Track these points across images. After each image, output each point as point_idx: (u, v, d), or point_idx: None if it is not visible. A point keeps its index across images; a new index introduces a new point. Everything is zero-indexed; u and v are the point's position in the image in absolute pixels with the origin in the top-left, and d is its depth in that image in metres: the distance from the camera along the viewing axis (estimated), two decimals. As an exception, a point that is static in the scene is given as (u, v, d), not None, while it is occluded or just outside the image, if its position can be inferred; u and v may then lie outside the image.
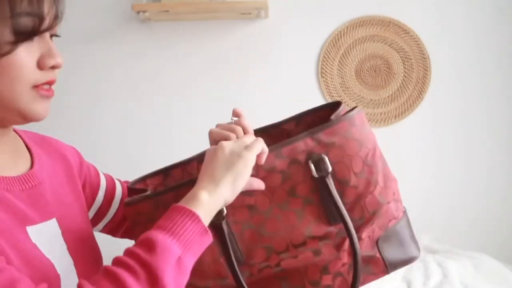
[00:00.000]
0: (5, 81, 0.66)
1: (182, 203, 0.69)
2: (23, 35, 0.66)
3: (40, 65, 0.68)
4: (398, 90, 2.12)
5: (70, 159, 0.88)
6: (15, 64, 0.66)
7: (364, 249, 0.78)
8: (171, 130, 2.16)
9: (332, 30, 2.12)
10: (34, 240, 0.68)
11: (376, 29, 2.11)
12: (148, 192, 0.81)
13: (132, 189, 0.86)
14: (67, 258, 0.73)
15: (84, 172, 0.92)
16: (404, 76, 2.11)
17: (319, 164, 0.76)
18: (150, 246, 0.63)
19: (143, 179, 0.90)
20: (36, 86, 0.68)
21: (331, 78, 2.13)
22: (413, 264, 1.61)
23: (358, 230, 0.77)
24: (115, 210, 0.98)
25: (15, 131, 0.80)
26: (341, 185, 0.77)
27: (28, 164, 0.77)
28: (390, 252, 0.80)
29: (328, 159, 0.77)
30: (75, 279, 0.72)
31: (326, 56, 2.12)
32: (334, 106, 0.87)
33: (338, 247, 0.77)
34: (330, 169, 0.76)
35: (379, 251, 0.79)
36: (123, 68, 2.15)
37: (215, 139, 0.84)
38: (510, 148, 2.10)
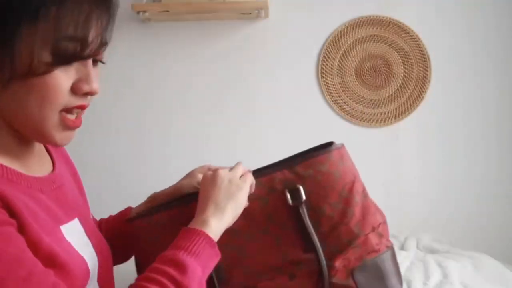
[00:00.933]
0: (36, 101, 0.65)
1: (196, 226, 0.76)
2: (62, 59, 0.65)
3: (74, 90, 0.68)
4: (398, 90, 2.12)
5: (72, 162, 0.92)
6: (49, 85, 0.65)
7: (339, 277, 0.81)
8: (170, 130, 2.16)
9: (332, 30, 2.12)
10: (68, 239, 0.71)
11: (376, 29, 2.11)
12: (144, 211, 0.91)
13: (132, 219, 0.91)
14: (93, 255, 0.76)
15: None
16: (404, 76, 2.11)
17: (294, 193, 0.83)
18: (182, 268, 0.69)
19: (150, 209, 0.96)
20: (64, 111, 0.68)
21: (331, 78, 2.13)
22: (413, 264, 1.61)
23: (332, 258, 0.81)
24: None
25: None
26: (316, 214, 0.82)
27: (50, 166, 0.80)
28: (367, 284, 0.82)
29: (304, 189, 0.82)
30: (96, 275, 0.76)
31: (326, 56, 2.12)
32: (327, 146, 0.90)
33: (312, 273, 0.81)
34: (304, 198, 0.82)
35: (354, 281, 0.81)
36: (122, 68, 2.15)
37: (205, 170, 0.95)
38: (510, 148, 2.10)
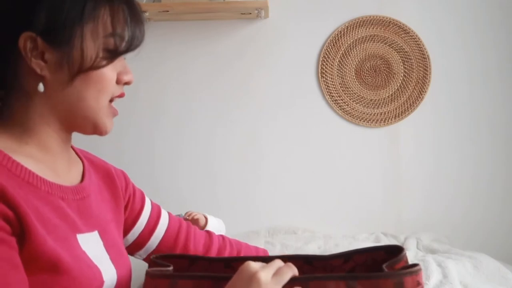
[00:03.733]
0: (94, 93, 0.74)
1: None
2: (114, 54, 0.75)
3: (117, 81, 0.77)
4: (398, 90, 2.12)
5: (117, 180, 0.92)
6: (103, 78, 0.74)
7: None
8: (170, 130, 2.16)
9: (332, 30, 2.12)
10: (83, 248, 0.72)
11: (376, 29, 2.11)
12: (170, 269, 0.77)
13: (154, 261, 0.82)
14: (111, 267, 0.77)
15: (128, 194, 0.94)
16: (404, 76, 2.11)
17: None
18: None
19: (168, 257, 0.85)
20: (110, 100, 0.77)
21: (331, 78, 2.13)
22: (413, 264, 1.61)
23: None
24: (157, 242, 0.97)
25: (72, 147, 0.85)
26: None
27: (79, 176, 0.82)
28: None
29: None
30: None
31: (326, 56, 2.12)
32: (393, 250, 0.76)
33: None
34: None
35: None
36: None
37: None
38: (510, 148, 2.10)
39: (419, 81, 2.10)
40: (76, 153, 0.86)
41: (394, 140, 2.13)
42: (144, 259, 0.99)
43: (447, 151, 2.12)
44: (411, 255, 1.73)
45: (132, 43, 0.77)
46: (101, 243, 0.78)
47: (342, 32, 2.11)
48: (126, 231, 0.94)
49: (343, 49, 2.12)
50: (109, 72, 0.75)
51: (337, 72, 2.13)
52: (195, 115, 2.15)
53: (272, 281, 0.67)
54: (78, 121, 0.75)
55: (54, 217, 0.69)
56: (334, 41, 2.12)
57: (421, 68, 2.10)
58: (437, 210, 2.12)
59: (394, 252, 0.75)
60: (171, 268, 0.78)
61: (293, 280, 0.69)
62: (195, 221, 1.59)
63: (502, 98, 2.10)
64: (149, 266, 0.83)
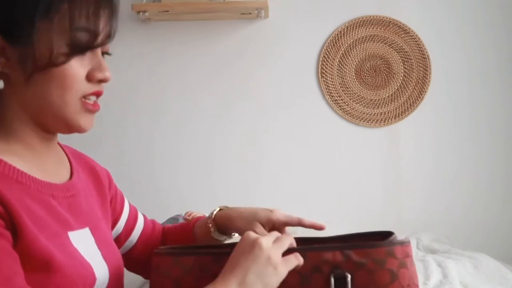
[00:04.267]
0: (57, 90, 0.70)
1: None
2: (78, 49, 0.71)
3: (89, 78, 0.73)
4: (398, 90, 2.12)
5: (102, 178, 0.91)
6: (67, 75, 0.70)
7: None
8: (170, 130, 2.16)
9: (332, 30, 2.12)
10: (75, 245, 0.72)
11: (376, 29, 2.11)
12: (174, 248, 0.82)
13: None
14: (103, 264, 0.77)
15: (111, 194, 0.94)
16: (404, 76, 2.11)
17: (340, 281, 0.72)
18: None
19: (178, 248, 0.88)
20: (83, 98, 0.73)
21: (331, 78, 2.13)
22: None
23: None
24: (133, 243, 0.99)
25: (58, 143, 0.84)
26: None
27: (68, 174, 0.81)
28: None
29: (352, 279, 0.72)
30: (105, 284, 0.76)
31: (326, 56, 2.12)
32: (388, 235, 0.81)
33: None
34: None
35: None
36: (122, 68, 2.15)
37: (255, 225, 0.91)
38: (510, 148, 2.10)
39: (419, 81, 2.10)
40: (63, 150, 0.85)
41: (394, 140, 2.13)
42: None
43: (447, 151, 2.12)
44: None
45: (96, 38, 0.72)
46: (92, 239, 0.78)
47: (342, 32, 2.11)
48: None
49: (343, 49, 2.12)
50: (75, 68, 0.71)
51: (337, 72, 2.13)
52: (195, 115, 2.15)
53: (273, 247, 0.71)
54: (48, 119, 0.73)
55: (46, 215, 0.69)
56: (334, 41, 2.12)
57: (421, 68, 2.10)
58: (437, 210, 2.12)
59: (387, 236, 0.80)
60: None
61: (291, 250, 0.73)
62: (195, 221, 1.59)
63: (502, 98, 2.10)
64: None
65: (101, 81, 0.75)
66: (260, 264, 0.69)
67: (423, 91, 2.10)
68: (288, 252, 0.73)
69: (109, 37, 0.76)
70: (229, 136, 2.15)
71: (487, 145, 2.11)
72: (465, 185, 2.11)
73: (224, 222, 0.97)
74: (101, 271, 0.75)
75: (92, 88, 0.74)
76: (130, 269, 1.01)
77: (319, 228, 0.93)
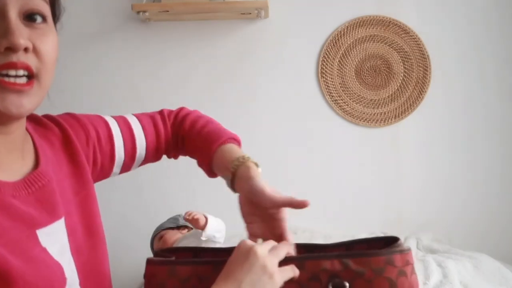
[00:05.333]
0: None
1: None
2: None
3: None
4: (398, 90, 2.12)
5: (75, 140, 0.81)
6: None
7: None
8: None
9: (332, 30, 2.12)
10: (44, 244, 0.66)
11: (376, 29, 2.11)
12: (172, 259, 0.79)
13: (158, 254, 0.83)
14: (70, 259, 0.71)
15: (92, 144, 0.85)
16: (404, 76, 2.11)
17: None
18: None
19: (172, 250, 0.85)
20: None
21: (331, 78, 2.13)
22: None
23: None
24: (142, 157, 0.94)
25: (26, 128, 0.75)
26: None
27: (32, 162, 0.72)
28: None
29: None
30: (76, 281, 0.71)
31: (326, 56, 2.12)
32: (392, 241, 0.80)
33: None
34: None
35: None
36: (122, 68, 2.15)
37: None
38: (510, 148, 2.10)
39: (419, 81, 2.10)
40: (30, 135, 0.75)
41: (394, 140, 2.13)
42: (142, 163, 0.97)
43: (447, 151, 2.12)
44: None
45: None
46: (65, 231, 0.72)
47: (342, 32, 2.11)
48: (107, 172, 0.88)
49: (343, 49, 2.12)
50: None
51: (337, 72, 2.13)
52: (195, 115, 2.15)
53: (269, 255, 0.69)
54: None
55: (4, 219, 0.62)
56: (334, 41, 2.12)
57: (421, 68, 2.10)
58: (437, 210, 2.12)
59: (392, 242, 0.79)
60: (173, 258, 0.79)
61: (289, 260, 0.72)
62: (195, 221, 1.59)
63: (501, 97, 2.10)
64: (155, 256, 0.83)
65: (9, 49, 0.61)
66: (255, 273, 0.67)
67: (423, 91, 2.10)
68: (285, 261, 0.72)
69: None
70: (229, 136, 2.15)
71: (487, 144, 2.11)
72: (465, 185, 2.11)
73: (240, 182, 0.87)
74: (69, 268, 0.70)
75: (0, 59, 0.61)
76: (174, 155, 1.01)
77: (299, 205, 0.80)
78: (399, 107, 2.12)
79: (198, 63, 2.15)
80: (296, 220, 2.12)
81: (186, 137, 1.00)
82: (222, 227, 1.67)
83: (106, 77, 2.16)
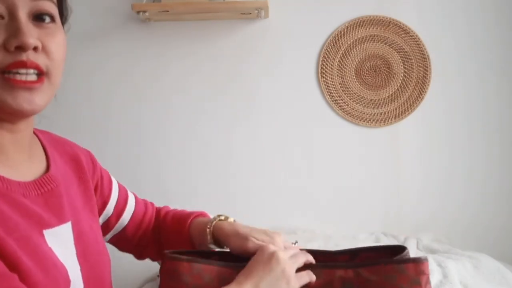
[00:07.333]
0: None
1: None
2: None
3: (5, 47, 0.63)
4: (398, 90, 2.12)
5: (83, 162, 0.86)
6: None
7: None
8: (170, 130, 2.16)
9: (332, 30, 2.12)
10: (50, 244, 0.68)
11: (376, 29, 2.11)
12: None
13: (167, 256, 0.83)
14: (76, 264, 0.73)
15: (97, 177, 0.90)
16: (404, 76, 2.11)
17: None
18: None
19: (180, 253, 0.86)
20: (5, 72, 0.64)
21: (331, 78, 2.13)
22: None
23: None
24: (124, 225, 0.97)
25: (34, 133, 0.78)
26: None
27: (43, 166, 0.75)
28: None
29: None
30: (81, 285, 0.72)
31: (326, 56, 2.12)
32: (398, 250, 0.82)
33: None
34: None
35: None
36: (122, 68, 2.15)
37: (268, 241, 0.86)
38: (509, 148, 2.10)
39: (419, 81, 2.10)
40: (38, 138, 0.79)
41: (394, 140, 2.13)
42: (109, 241, 0.98)
43: (447, 151, 2.12)
44: (411, 255, 1.73)
45: None
46: (71, 236, 0.73)
47: (342, 32, 2.11)
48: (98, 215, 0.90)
49: (343, 49, 2.12)
50: None
51: (337, 72, 2.13)
52: (194, 114, 2.15)
53: (289, 261, 0.75)
54: None
55: (15, 215, 0.64)
56: (334, 41, 2.12)
57: (421, 68, 2.10)
58: (437, 210, 2.12)
59: (399, 252, 0.82)
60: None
61: (306, 267, 0.78)
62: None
63: (502, 97, 2.10)
64: (162, 261, 0.83)
65: (18, 48, 0.63)
66: (274, 276, 0.72)
67: (423, 91, 2.10)
68: (303, 268, 0.77)
69: None
70: (229, 135, 2.15)
71: (488, 145, 2.10)
72: (466, 185, 2.11)
73: (219, 236, 0.92)
74: (74, 272, 0.71)
75: (10, 58, 0.63)
76: (122, 249, 1.00)
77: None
78: (399, 107, 2.12)
79: (198, 63, 2.15)
80: (296, 221, 2.13)
81: (161, 223, 1.04)
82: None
83: (106, 77, 2.16)
